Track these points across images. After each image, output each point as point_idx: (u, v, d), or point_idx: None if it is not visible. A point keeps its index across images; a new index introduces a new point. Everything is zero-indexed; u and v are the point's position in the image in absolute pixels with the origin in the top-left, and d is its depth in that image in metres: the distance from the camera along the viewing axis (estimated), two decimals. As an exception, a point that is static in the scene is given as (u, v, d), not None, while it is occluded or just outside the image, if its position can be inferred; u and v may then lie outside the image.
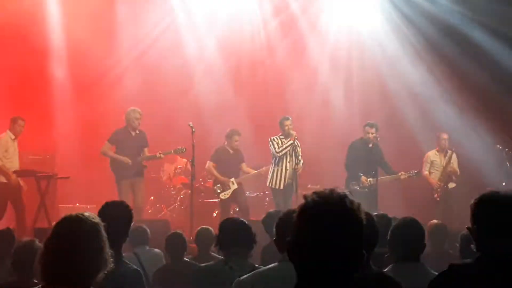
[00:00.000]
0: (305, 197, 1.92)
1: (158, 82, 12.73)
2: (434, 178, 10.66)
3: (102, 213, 3.84)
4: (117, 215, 3.90)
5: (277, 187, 9.90)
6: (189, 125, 9.56)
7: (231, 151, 10.54)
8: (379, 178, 10.08)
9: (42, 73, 12.02)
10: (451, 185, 10.67)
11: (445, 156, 10.72)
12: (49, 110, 12.04)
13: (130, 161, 9.82)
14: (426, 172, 10.70)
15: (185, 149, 9.89)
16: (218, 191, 10.44)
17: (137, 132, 10.06)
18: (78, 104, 12.21)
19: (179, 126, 11.10)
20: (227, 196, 10.38)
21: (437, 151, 10.79)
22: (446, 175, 10.64)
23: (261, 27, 13.35)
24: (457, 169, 10.73)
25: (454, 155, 10.75)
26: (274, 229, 3.51)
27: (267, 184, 10.09)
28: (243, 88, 13.07)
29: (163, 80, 12.73)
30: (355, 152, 10.17)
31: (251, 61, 13.30)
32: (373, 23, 13.04)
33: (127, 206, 4.05)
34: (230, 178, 10.46)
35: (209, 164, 10.53)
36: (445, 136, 10.75)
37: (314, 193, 1.89)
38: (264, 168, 10.54)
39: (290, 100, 12.95)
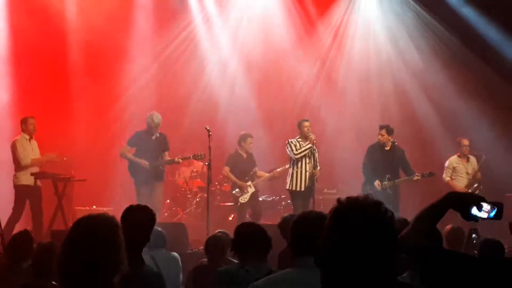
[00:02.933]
0: (338, 201, 1.89)
1: (174, 85, 12.73)
2: (459, 184, 10.52)
3: (125, 216, 3.85)
4: (140, 219, 3.90)
5: (298, 189, 9.71)
6: (206, 128, 9.52)
7: (245, 156, 10.60)
8: (395, 180, 9.96)
9: (59, 76, 12.08)
10: (476, 190, 10.56)
11: (467, 162, 10.62)
12: (66, 112, 12.08)
13: (148, 164, 9.76)
14: (448, 178, 10.60)
15: (204, 155, 9.78)
16: (237, 195, 10.48)
17: (158, 135, 10.00)
18: (95, 106, 12.25)
19: (194, 129, 11.13)
20: (246, 200, 10.43)
21: (459, 156, 10.68)
22: (475, 181, 10.56)
23: (281, 29, 13.32)
24: (480, 175, 10.65)
25: (475, 160, 10.67)
26: (290, 233, 3.44)
27: (287, 187, 9.92)
28: (260, 92, 13.06)
29: (180, 83, 12.75)
30: (372, 156, 10.12)
31: (269, 64, 13.28)
32: (390, 25, 13.02)
33: (151, 211, 4.04)
34: (246, 182, 10.48)
35: (225, 169, 10.60)
36: (466, 142, 10.64)
37: (349, 198, 1.86)
38: (278, 170, 10.55)
39: (306, 104, 12.93)
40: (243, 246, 4.38)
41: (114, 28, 12.02)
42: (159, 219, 9.63)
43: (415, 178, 9.93)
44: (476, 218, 2.36)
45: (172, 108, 12.12)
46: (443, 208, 2.35)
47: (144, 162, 9.77)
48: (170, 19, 12.94)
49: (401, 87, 12.93)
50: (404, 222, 4.29)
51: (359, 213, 1.82)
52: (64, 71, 11.91)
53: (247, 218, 10.46)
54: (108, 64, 12.19)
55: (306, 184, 9.68)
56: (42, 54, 11.59)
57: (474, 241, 5.46)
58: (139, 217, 3.91)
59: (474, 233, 5.38)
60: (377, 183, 9.92)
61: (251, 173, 10.63)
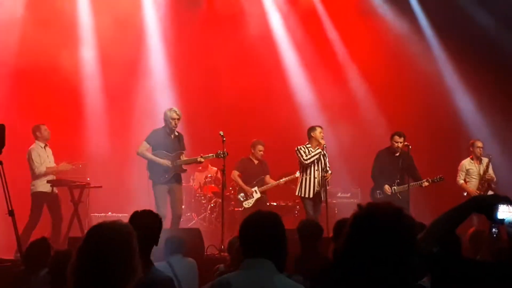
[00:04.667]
0: (359, 207, 1.88)
1: (186, 91, 12.76)
2: (472, 186, 10.52)
3: (131, 221, 3.89)
4: (145, 223, 3.94)
5: (306, 196, 9.81)
6: (220, 134, 9.46)
7: (256, 162, 10.77)
8: (404, 185, 10.02)
9: (73, 83, 12.15)
10: (490, 193, 10.51)
11: (480, 163, 10.58)
12: (80, 119, 12.15)
13: (170, 163, 9.32)
14: (461, 181, 10.59)
15: (227, 153, 9.41)
16: (242, 200, 10.67)
17: (176, 134, 9.54)
18: (110, 113, 12.30)
19: (208, 135, 11.15)
20: (250, 205, 10.58)
21: (471, 159, 10.65)
22: (485, 183, 10.51)
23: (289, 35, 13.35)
24: (494, 176, 10.57)
25: (490, 163, 10.61)
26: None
27: (296, 193, 10.02)
28: (269, 99, 13.08)
29: (191, 88, 12.78)
30: (381, 161, 10.22)
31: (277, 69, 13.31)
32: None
33: (157, 215, 4.09)
34: (254, 188, 10.62)
35: (234, 173, 10.77)
36: (479, 144, 10.62)
37: (370, 204, 1.85)
38: (285, 179, 10.71)
39: (320, 108, 12.93)
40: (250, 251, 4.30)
41: (128, 34, 12.10)
42: (181, 224, 9.73)
43: (425, 183, 9.95)
44: (501, 221, 2.35)
45: (186, 114, 12.14)
46: (467, 211, 2.34)
47: (166, 162, 9.29)
48: (183, 23, 12.98)
49: (412, 90, 12.92)
50: (421, 226, 4.27)
51: (380, 219, 1.81)
52: (78, 76, 11.96)
53: None
54: (122, 70, 12.23)
55: (315, 191, 9.76)
56: (55, 60, 11.62)
57: (495, 235, 5.39)
58: (147, 222, 3.94)
59: (494, 227, 5.31)
60: (387, 188, 10.01)
61: (261, 179, 10.76)
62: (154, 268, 3.83)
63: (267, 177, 10.89)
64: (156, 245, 3.98)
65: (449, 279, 2.31)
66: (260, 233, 3.12)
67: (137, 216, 4.02)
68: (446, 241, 3.09)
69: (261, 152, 10.75)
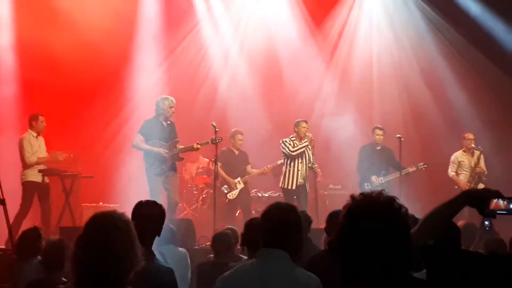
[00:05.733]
0: (352, 197, 1.89)
1: (183, 84, 12.72)
2: (463, 179, 10.63)
3: (135, 211, 3.89)
4: (150, 214, 3.93)
5: (288, 187, 9.99)
6: (213, 124, 9.49)
7: (236, 152, 10.74)
8: (391, 175, 10.45)
9: (66, 72, 12.07)
10: (480, 185, 10.58)
11: (472, 156, 10.66)
12: (72, 109, 12.10)
13: (167, 152, 9.18)
14: (453, 173, 10.70)
15: (221, 138, 9.44)
16: (226, 191, 10.63)
17: (168, 122, 9.40)
18: (101, 103, 12.25)
19: (201, 126, 11.14)
20: (235, 196, 10.61)
21: (464, 151, 10.73)
22: (476, 176, 10.58)
23: (286, 29, 13.31)
24: (485, 169, 10.64)
25: (481, 155, 10.68)
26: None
27: (280, 185, 10.19)
28: (268, 93, 13.08)
29: (182, 78, 12.76)
30: (365, 156, 10.55)
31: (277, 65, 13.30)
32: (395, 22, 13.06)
33: (161, 206, 4.07)
34: (236, 178, 10.63)
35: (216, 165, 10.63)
36: (471, 136, 10.70)
37: (362, 194, 1.86)
38: (269, 166, 10.66)
39: (317, 100, 12.97)
40: (254, 242, 4.30)
41: (121, 28, 12.04)
42: (177, 213, 9.70)
43: (411, 169, 10.42)
44: (493, 214, 2.37)
45: (180, 104, 12.13)
46: (459, 205, 2.36)
47: (163, 151, 9.17)
48: (177, 19, 12.92)
49: (406, 84, 12.95)
50: (414, 219, 4.29)
51: (373, 209, 1.82)
52: (71, 68, 11.89)
53: (236, 215, 10.80)
54: (116, 62, 12.18)
55: (298, 183, 9.95)
56: (50, 52, 11.57)
57: (487, 228, 5.47)
58: (150, 212, 3.93)
59: (486, 219, 5.38)
60: (374, 178, 10.35)
61: (243, 169, 10.74)
62: (156, 259, 3.83)
63: (249, 167, 10.84)
64: (159, 236, 3.97)
65: (444, 271, 2.33)
66: (282, 225, 3.17)
67: (141, 206, 3.99)
68: (446, 233, 3.11)
69: (241, 142, 10.69)
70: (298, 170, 9.97)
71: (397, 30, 13.12)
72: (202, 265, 6.03)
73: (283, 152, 10.06)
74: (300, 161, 9.98)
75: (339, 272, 1.83)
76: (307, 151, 10.02)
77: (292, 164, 9.99)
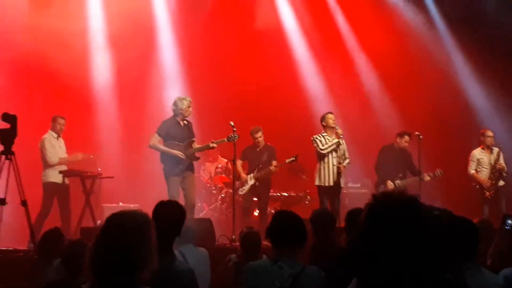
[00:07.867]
0: (374, 197, 1.87)
1: (196, 82, 12.74)
2: (483, 176, 10.56)
3: (156, 212, 3.90)
4: (170, 214, 3.95)
5: (326, 184, 9.62)
6: (231, 124, 9.43)
7: (257, 149, 10.61)
8: (407, 180, 10.36)
9: (84, 74, 12.17)
10: (501, 182, 10.55)
11: (491, 153, 10.59)
12: (92, 110, 12.18)
13: (183, 155, 9.26)
14: (472, 171, 10.63)
15: (238, 136, 9.38)
16: (237, 187, 10.50)
17: (185, 122, 9.46)
18: (121, 103, 12.33)
19: (216, 126, 11.16)
20: (244, 192, 10.49)
21: (482, 148, 10.66)
22: (496, 172, 10.50)
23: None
24: (505, 166, 10.56)
25: (501, 152, 10.61)
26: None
27: (315, 183, 9.81)
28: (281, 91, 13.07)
29: (201, 79, 12.77)
30: (385, 157, 10.47)
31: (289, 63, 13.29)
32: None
33: (181, 206, 4.09)
34: (250, 175, 10.55)
35: (238, 162, 10.48)
36: (490, 133, 10.63)
37: (384, 194, 1.84)
38: (273, 166, 10.32)
39: (332, 99, 12.92)
40: (279, 235, 4.19)
41: (137, 29, 12.11)
42: (195, 213, 9.72)
43: (426, 178, 10.20)
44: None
45: (196, 104, 12.15)
46: None
47: (179, 153, 9.22)
48: (191, 18, 12.96)
49: (424, 82, 12.88)
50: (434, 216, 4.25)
51: (395, 209, 1.80)
52: (90, 68, 11.98)
53: (255, 215, 10.77)
54: (133, 62, 12.24)
55: (334, 179, 9.61)
56: (69, 52, 11.66)
57: (507, 227, 5.40)
58: (171, 213, 3.95)
59: (508, 218, 5.32)
60: (389, 183, 10.23)
61: (267, 165, 10.44)
62: (176, 259, 3.83)
63: (274, 163, 10.44)
64: (179, 236, 3.98)
65: None
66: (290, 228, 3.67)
67: (162, 207, 4.01)
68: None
69: (260, 138, 10.55)
70: (333, 165, 9.60)
71: (415, 26, 13.06)
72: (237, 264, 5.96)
73: (315, 149, 9.80)
74: (334, 155, 9.64)
75: (359, 274, 1.82)
76: (339, 147, 9.66)
77: (326, 160, 9.63)
